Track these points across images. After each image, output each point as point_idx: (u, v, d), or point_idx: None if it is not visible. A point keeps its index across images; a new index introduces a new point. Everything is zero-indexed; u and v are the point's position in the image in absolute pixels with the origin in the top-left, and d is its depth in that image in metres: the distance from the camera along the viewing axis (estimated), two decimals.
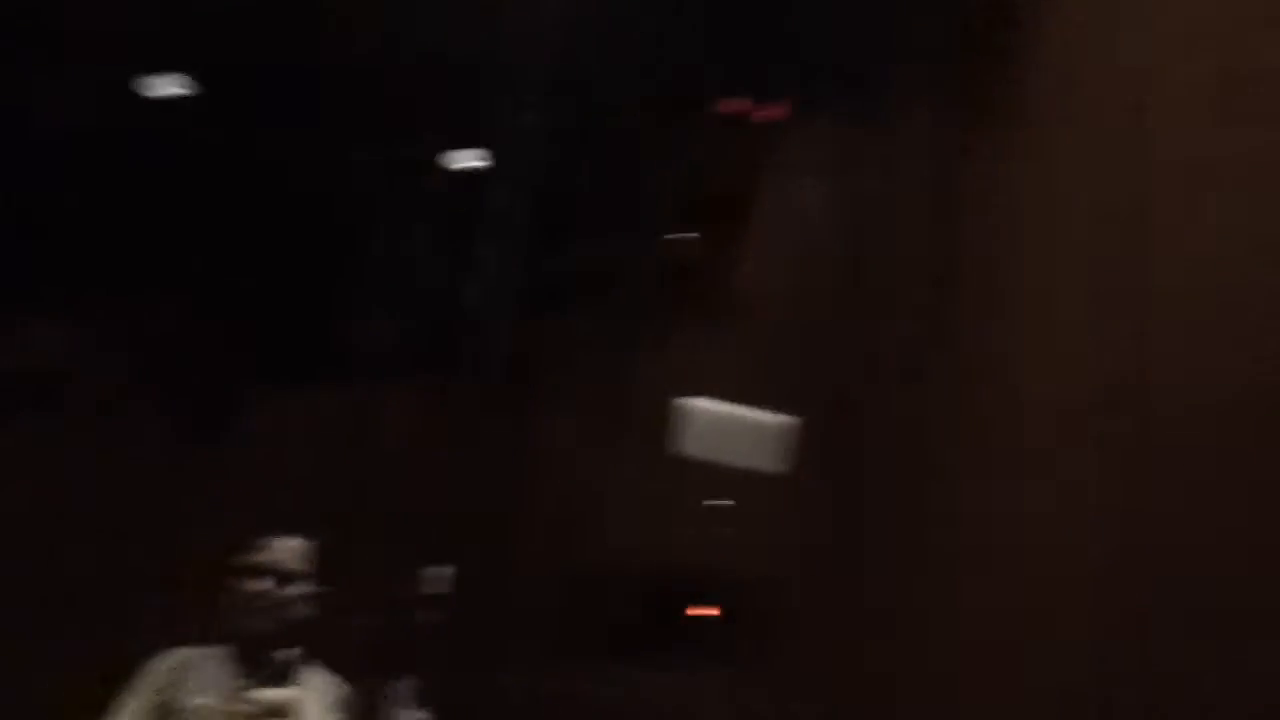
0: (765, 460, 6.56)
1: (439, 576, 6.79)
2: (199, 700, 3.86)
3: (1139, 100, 5.61)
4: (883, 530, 6.28)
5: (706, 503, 6.68)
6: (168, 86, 7.25)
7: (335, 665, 4.24)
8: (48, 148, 7.07)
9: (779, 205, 6.83)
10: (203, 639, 3.97)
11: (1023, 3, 6.34)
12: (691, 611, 6.78)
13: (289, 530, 4.14)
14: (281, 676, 3.94)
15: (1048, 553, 5.57)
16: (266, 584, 3.94)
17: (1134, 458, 5.31)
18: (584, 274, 7.30)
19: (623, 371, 7.05)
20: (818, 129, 6.73)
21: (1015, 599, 5.58)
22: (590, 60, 6.76)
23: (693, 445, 6.65)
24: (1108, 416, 5.41)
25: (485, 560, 7.00)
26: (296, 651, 4.00)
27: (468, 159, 7.76)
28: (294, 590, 3.98)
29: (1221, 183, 5.41)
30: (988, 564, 5.88)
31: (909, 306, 6.44)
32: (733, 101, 6.81)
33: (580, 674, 6.72)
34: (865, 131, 6.54)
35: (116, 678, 3.98)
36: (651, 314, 6.98)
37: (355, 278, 7.79)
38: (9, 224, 7.14)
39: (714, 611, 6.69)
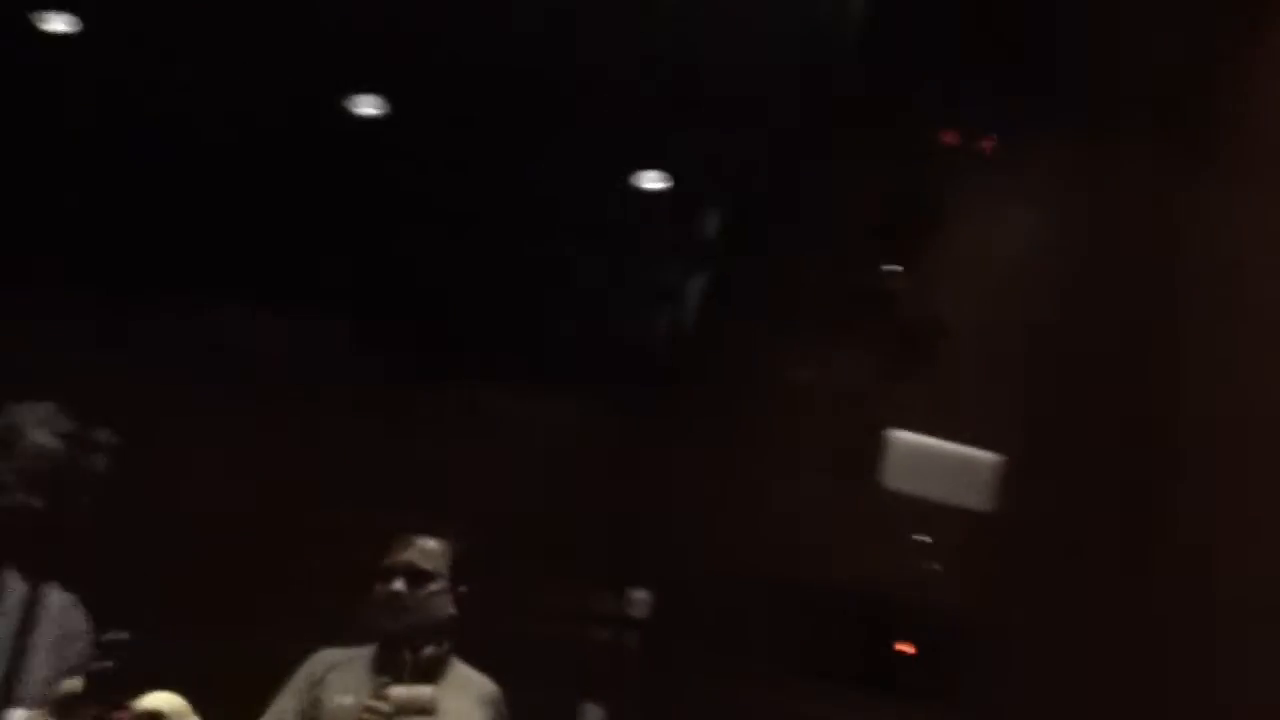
0: (969, 496, 6.48)
1: (635, 599, 6.87)
2: (338, 699, 4.01)
3: None
4: (1090, 570, 6.14)
5: (912, 537, 6.61)
6: (365, 106, 7.52)
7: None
8: (251, 154, 7.43)
9: (987, 237, 6.74)
10: (351, 639, 4.12)
11: (1256, 30, 6.14)
12: (894, 647, 6.71)
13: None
14: (423, 675, 4.05)
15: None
16: (401, 584, 4.08)
17: None
18: (785, 298, 7.30)
19: (826, 400, 7.03)
20: (1028, 160, 6.62)
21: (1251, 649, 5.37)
22: (793, 82, 6.79)
23: (895, 477, 6.61)
24: None
25: (680, 583, 7.05)
26: (433, 649, 4.11)
27: (655, 179, 7.85)
28: (430, 590, 4.11)
29: None
30: (1211, 606, 5.69)
31: (1121, 344, 6.29)
32: (944, 130, 6.74)
33: (775, 704, 6.72)
34: (1078, 162, 6.42)
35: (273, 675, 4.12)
36: (854, 343, 6.94)
37: (549, 293, 7.92)
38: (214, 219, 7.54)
39: (910, 649, 6.61)
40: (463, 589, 4.21)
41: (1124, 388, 6.22)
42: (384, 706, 3.92)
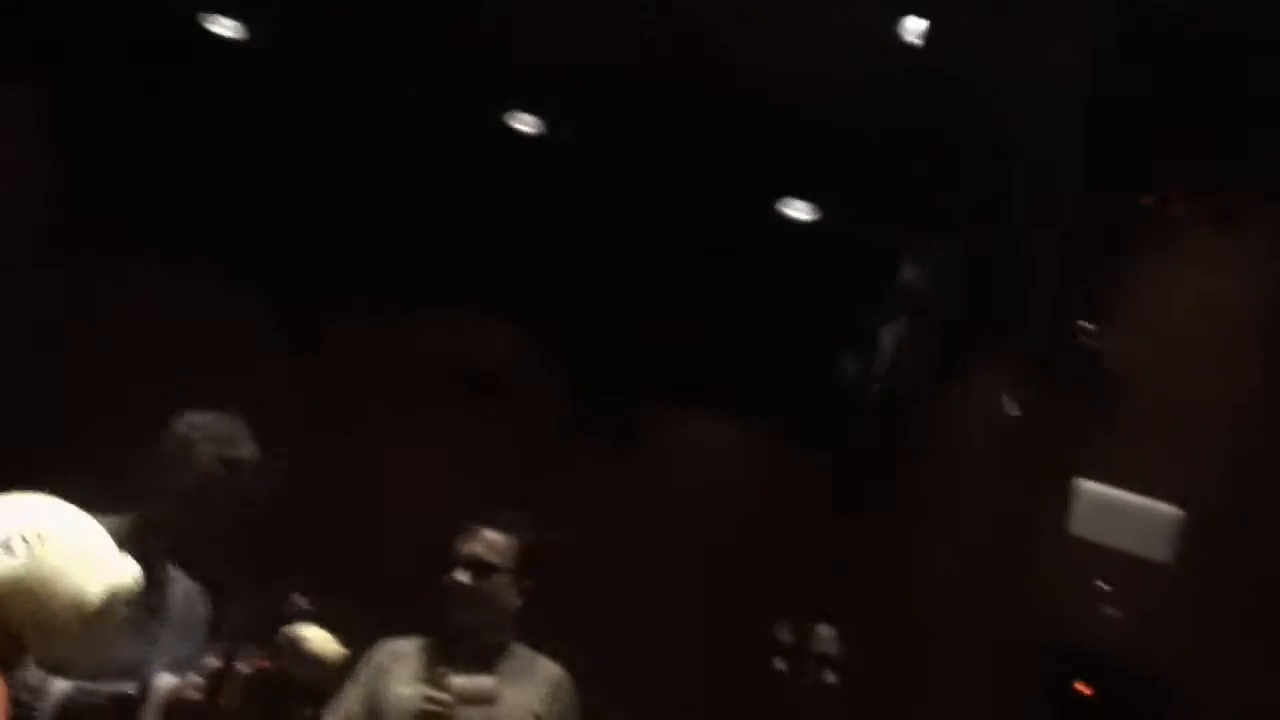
0: (1153, 548, 6.54)
1: (826, 637, 7.09)
2: (399, 689, 4.08)
3: None
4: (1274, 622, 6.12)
5: (1095, 584, 6.70)
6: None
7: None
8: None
9: (1188, 296, 6.77)
10: (424, 629, 4.24)
11: None
12: (1074, 689, 6.82)
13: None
14: (483, 664, 4.08)
15: None
16: (465, 575, 4.13)
17: None
18: (985, 348, 7.42)
19: (1019, 447, 7.16)
20: (1241, 226, 6.61)
21: None
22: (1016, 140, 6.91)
23: (1082, 526, 6.73)
24: None
25: (867, 620, 7.25)
26: (492, 639, 4.14)
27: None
28: (493, 581, 4.13)
29: None
30: None
31: None
32: (1162, 195, 6.79)
33: None
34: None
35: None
36: (1056, 396, 7.06)
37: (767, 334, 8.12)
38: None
39: (1087, 690, 6.71)
40: (527, 582, 4.18)
41: None
42: (445, 697, 3.95)
